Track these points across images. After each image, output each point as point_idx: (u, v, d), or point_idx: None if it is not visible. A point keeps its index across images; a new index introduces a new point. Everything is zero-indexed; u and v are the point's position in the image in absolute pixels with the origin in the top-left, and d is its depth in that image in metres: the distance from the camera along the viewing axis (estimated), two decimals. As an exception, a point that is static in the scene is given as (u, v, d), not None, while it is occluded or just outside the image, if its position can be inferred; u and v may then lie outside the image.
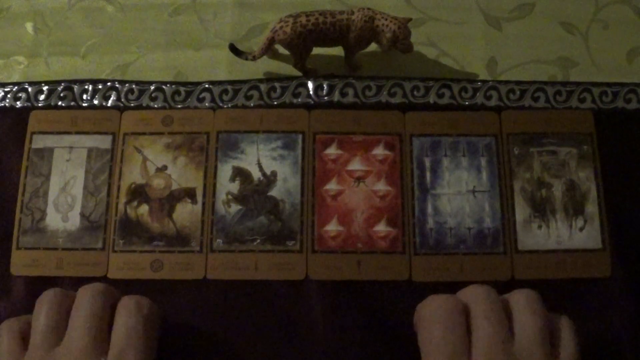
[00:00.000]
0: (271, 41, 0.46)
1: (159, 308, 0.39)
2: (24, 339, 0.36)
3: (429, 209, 0.44)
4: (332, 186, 0.45)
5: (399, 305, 0.42)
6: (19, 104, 0.48)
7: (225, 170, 0.46)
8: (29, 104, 0.48)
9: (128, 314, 0.36)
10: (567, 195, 0.45)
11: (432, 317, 0.36)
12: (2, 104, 0.48)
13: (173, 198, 0.45)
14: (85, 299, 0.36)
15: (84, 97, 0.48)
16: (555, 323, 0.36)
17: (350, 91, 0.47)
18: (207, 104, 0.47)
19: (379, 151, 0.46)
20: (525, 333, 0.34)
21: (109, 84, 0.48)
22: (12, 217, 0.45)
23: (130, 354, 0.35)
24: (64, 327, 0.36)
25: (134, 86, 0.48)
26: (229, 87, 0.48)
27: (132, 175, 0.46)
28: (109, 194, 0.45)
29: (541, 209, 0.44)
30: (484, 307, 0.35)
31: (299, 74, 0.49)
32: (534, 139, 0.46)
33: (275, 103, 0.47)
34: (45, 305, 0.36)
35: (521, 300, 0.36)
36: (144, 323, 0.36)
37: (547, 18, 0.51)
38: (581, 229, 0.44)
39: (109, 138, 0.46)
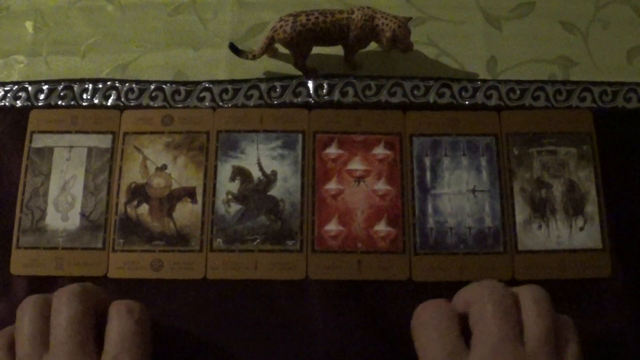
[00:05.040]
0: (271, 40, 0.46)
1: (150, 310, 0.39)
2: (12, 349, 0.36)
3: (429, 209, 0.44)
4: (332, 186, 0.45)
5: (400, 305, 0.42)
6: (19, 103, 0.48)
7: (225, 170, 0.46)
8: (29, 103, 0.48)
9: (119, 319, 0.36)
10: (566, 195, 0.45)
11: (424, 323, 0.36)
12: (2, 103, 0.48)
13: (173, 197, 0.45)
14: (62, 304, 0.36)
15: (84, 96, 0.48)
16: (558, 323, 0.36)
17: (351, 90, 0.47)
18: (207, 104, 0.47)
19: (379, 151, 0.46)
20: (532, 334, 0.34)
21: (109, 83, 0.48)
22: (12, 217, 0.45)
23: (125, 359, 0.35)
24: (48, 334, 0.35)
25: (134, 85, 0.48)
26: (229, 87, 0.48)
27: (132, 174, 0.46)
28: (108, 194, 0.45)
29: (541, 209, 0.44)
30: (494, 305, 0.34)
31: (299, 73, 0.49)
32: (533, 139, 0.46)
33: (276, 102, 0.47)
34: (27, 313, 0.36)
35: (528, 298, 0.35)
36: (136, 327, 0.36)
37: (547, 17, 0.51)
38: (581, 229, 0.44)
39: (109, 137, 0.46)
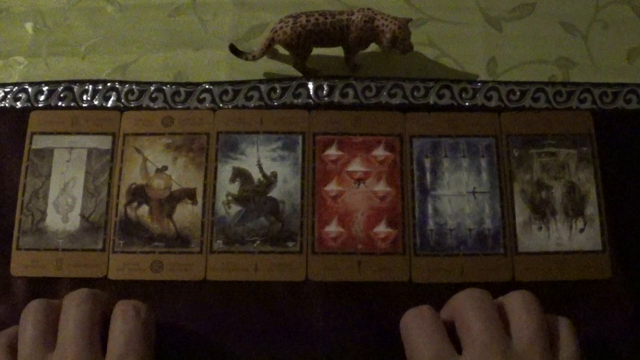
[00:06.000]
0: (271, 41, 0.46)
1: (154, 311, 0.39)
2: (13, 351, 0.36)
3: (429, 210, 0.44)
4: (332, 187, 0.45)
5: (399, 307, 0.42)
6: (19, 104, 0.48)
7: (225, 171, 0.46)
8: (29, 104, 0.48)
9: (126, 319, 0.36)
10: (567, 197, 0.45)
11: (409, 330, 0.36)
12: (2, 105, 0.48)
13: (173, 199, 0.45)
14: (73, 306, 0.36)
15: (84, 97, 0.48)
16: (554, 324, 0.36)
17: (351, 92, 0.47)
18: (207, 105, 0.47)
19: (379, 152, 0.46)
20: (522, 335, 0.34)
21: (109, 84, 0.48)
22: (12, 218, 0.45)
23: (130, 359, 0.35)
24: (52, 337, 0.35)
25: (134, 86, 0.48)
26: (229, 88, 0.48)
27: (132, 175, 0.46)
28: (109, 195, 0.45)
29: (541, 211, 0.44)
30: (476, 310, 0.35)
31: (299, 74, 0.49)
32: (533, 140, 0.46)
33: (276, 104, 0.47)
34: (30, 315, 0.36)
35: (517, 302, 0.36)
36: (142, 327, 0.36)
37: (547, 18, 0.51)
38: (581, 231, 0.44)
39: (109, 139, 0.46)
